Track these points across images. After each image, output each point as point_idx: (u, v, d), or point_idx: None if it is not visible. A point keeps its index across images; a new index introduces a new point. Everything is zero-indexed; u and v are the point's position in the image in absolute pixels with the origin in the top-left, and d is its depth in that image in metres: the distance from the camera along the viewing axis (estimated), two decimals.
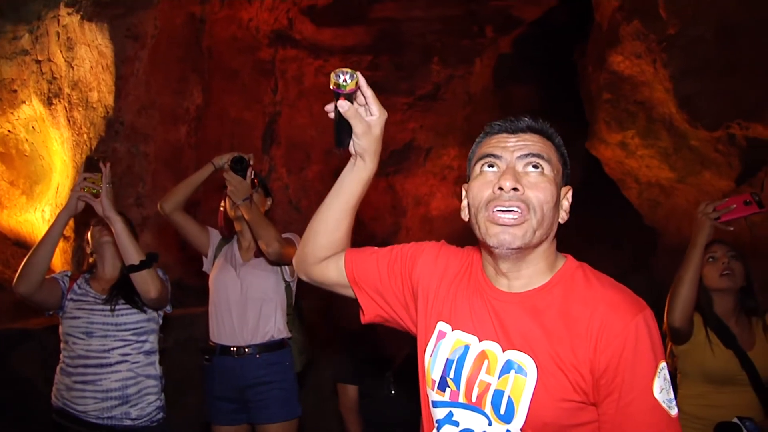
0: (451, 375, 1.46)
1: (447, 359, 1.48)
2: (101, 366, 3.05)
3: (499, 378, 1.41)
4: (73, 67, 5.31)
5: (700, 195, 7.13)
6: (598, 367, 1.35)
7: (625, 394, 1.33)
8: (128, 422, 3.06)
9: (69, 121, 5.39)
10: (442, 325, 1.53)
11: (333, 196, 1.60)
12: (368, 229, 8.95)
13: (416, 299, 1.61)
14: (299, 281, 3.69)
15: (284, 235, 3.59)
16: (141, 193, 5.91)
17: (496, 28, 8.95)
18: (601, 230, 9.77)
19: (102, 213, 2.95)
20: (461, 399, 1.45)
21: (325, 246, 1.64)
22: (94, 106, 5.41)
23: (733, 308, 2.90)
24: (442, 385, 1.48)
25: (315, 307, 5.88)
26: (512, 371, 1.40)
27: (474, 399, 1.43)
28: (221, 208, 3.71)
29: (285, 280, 3.62)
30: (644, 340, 1.35)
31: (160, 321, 3.30)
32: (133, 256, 2.98)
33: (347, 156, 1.61)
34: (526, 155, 1.46)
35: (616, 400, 1.33)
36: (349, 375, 3.86)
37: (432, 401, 1.50)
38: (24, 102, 5.46)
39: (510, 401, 1.38)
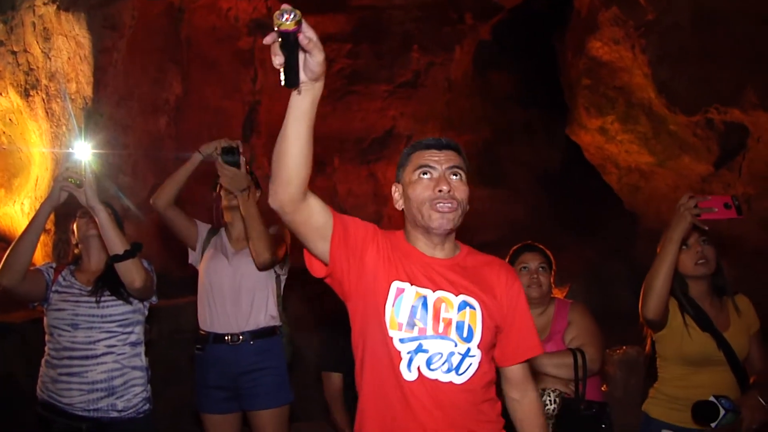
0: (418, 316, 1.96)
1: (412, 306, 1.97)
2: (87, 358, 3.03)
3: (458, 313, 1.99)
4: (50, 58, 5.26)
5: (679, 179, 7.21)
6: (507, 302, 2.10)
7: (520, 311, 2.13)
8: (114, 414, 3.04)
9: (47, 112, 5.34)
10: (398, 284, 1.99)
11: (298, 122, 1.72)
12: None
13: (362, 267, 2.00)
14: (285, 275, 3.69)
15: (272, 230, 3.58)
16: (121, 185, 5.87)
17: (475, 14, 8.95)
18: (581, 215, 9.85)
19: (85, 203, 2.92)
20: (429, 332, 1.96)
21: (303, 166, 1.79)
22: (73, 97, 5.36)
23: (707, 291, 2.93)
24: (410, 325, 1.96)
25: (299, 297, 5.89)
26: (467, 308, 2.01)
27: (441, 330, 1.97)
28: (215, 195, 3.67)
29: (276, 272, 3.62)
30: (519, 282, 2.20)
31: (146, 312, 3.28)
32: (118, 245, 2.96)
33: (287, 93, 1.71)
34: (451, 167, 2.05)
35: (517, 314, 2.12)
36: (334, 363, 3.86)
37: (400, 339, 1.95)
38: (0, 94, 5.40)
39: (470, 327, 1.99)
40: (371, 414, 2.02)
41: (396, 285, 1.99)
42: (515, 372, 2.17)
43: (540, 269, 3.25)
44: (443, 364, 1.96)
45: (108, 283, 3.10)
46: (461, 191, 2.04)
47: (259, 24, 8.08)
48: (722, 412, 2.55)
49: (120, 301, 3.11)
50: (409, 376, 1.95)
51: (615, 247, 8.90)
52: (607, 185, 8.38)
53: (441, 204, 1.99)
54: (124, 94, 5.90)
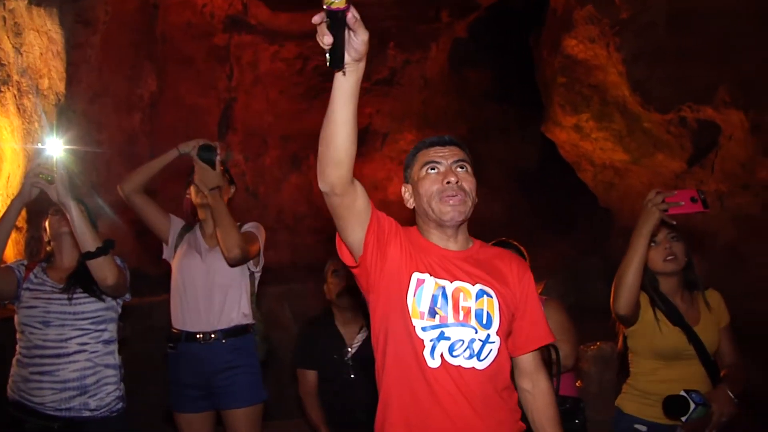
0: (438, 305, 2.03)
1: (432, 295, 2.04)
2: (59, 356, 2.99)
3: (476, 301, 2.06)
4: (21, 54, 5.19)
5: (653, 176, 7.27)
6: (519, 291, 2.19)
7: (531, 300, 2.21)
8: (87, 413, 3.00)
9: (19, 108, 5.27)
10: (418, 275, 2.06)
11: (345, 104, 1.76)
12: (326, 215, 8.88)
13: (385, 259, 2.07)
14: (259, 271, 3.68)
15: (246, 227, 3.56)
16: (95, 182, 5.81)
17: (452, 12, 8.97)
18: (557, 212, 9.90)
19: (57, 199, 2.88)
20: (450, 320, 2.03)
21: (352, 147, 1.85)
22: (45, 93, 5.30)
23: (678, 286, 2.96)
24: (432, 314, 2.03)
25: (274, 294, 5.87)
26: (485, 296, 2.08)
27: (461, 318, 2.04)
28: (187, 195, 3.65)
29: (249, 269, 3.60)
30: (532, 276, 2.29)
31: (119, 309, 3.25)
32: (90, 242, 2.93)
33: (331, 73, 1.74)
34: (456, 161, 2.14)
35: (528, 304, 2.21)
36: (308, 360, 3.86)
37: (422, 327, 2.02)
38: None
39: (488, 314, 2.07)
40: (396, 403, 2.07)
41: (416, 276, 2.07)
42: (526, 361, 2.24)
43: None
44: (465, 350, 2.03)
45: (80, 281, 3.06)
46: (469, 182, 2.12)
47: (235, 20, 8.05)
48: (693, 406, 2.58)
49: (92, 299, 3.08)
50: (433, 363, 2.01)
51: (590, 243, 8.96)
52: (582, 182, 8.43)
53: (450, 196, 2.07)
54: (98, 90, 5.84)
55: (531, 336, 2.22)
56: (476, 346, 2.04)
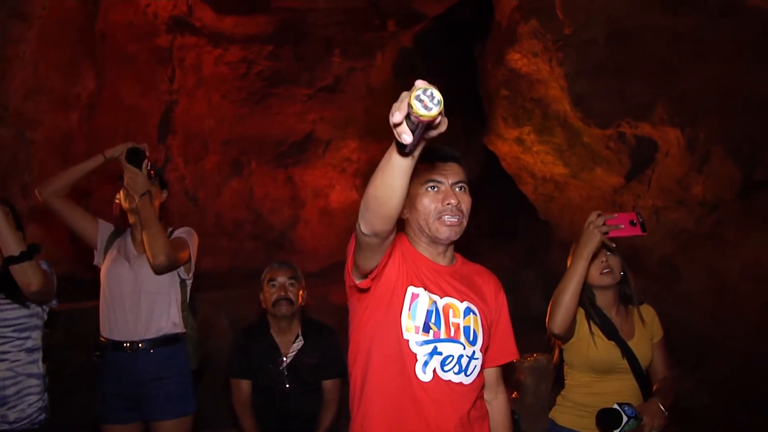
0: (433, 320, 2.11)
1: (427, 310, 2.11)
2: None
3: (464, 318, 2.17)
4: None
5: (592, 190, 7.38)
6: (495, 308, 2.32)
7: (503, 317, 2.36)
8: (5, 426, 2.88)
9: None
10: (413, 289, 2.12)
11: (402, 177, 1.70)
12: (266, 221, 8.84)
13: (383, 274, 2.11)
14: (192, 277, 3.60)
15: (177, 233, 3.49)
16: (27, 183, 5.63)
17: (398, 21, 8.98)
18: (497, 224, 9.98)
19: None
20: (443, 336, 2.12)
21: (401, 206, 1.82)
22: None
23: (613, 300, 3.01)
24: (426, 329, 2.10)
25: (209, 301, 5.77)
26: (471, 314, 2.19)
27: (452, 334, 2.13)
28: (116, 200, 3.56)
29: (180, 277, 3.52)
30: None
31: (45, 316, 3.14)
32: (13, 247, 2.82)
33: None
34: (457, 182, 2.20)
35: (501, 320, 2.36)
36: (242, 370, 3.79)
37: (416, 342, 2.09)
38: None
39: (474, 332, 2.18)
40: (378, 414, 2.13)
41: (411, 290, 2.14)
42: (491, 374, 2.37)
43: None
44: (455, 365, 2.14)
45: (3, 286, 2.95)
46: (466, 203, 2.22)
47: (179, 22, 7.92)
48: (625, 418, 2.63)
49: (16, 305, 2.97)
50: (424, 377, 2.10)
51: (530, 255, 9.06)
52: (523, 194, 8.51)
53: (448, 217, 2.16)
54: (33, 87, 5.67)
55: (500, 351, 2.36)
56: (464, 361, 2.15)
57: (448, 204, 2.16)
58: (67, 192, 3.46)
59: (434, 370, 2.11)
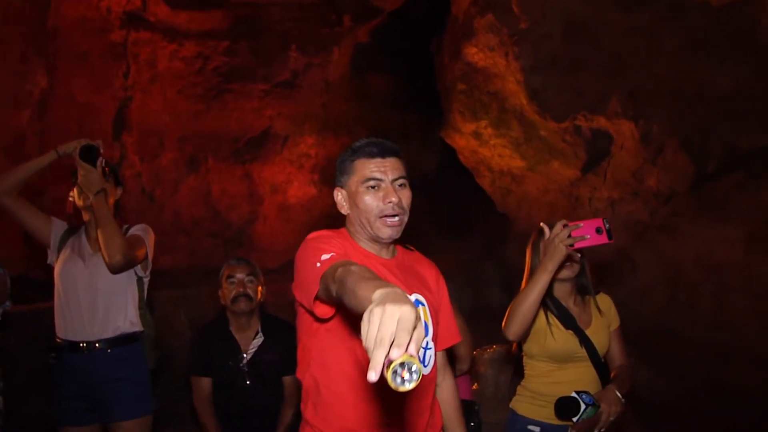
0: None
1: None
2: None
3: None
4: None
5: (549, 183, 7.47)
6: (438, 293, 2.34)
7: (445, 303, 2.38)
8: None
9: None
10: None
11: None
12: (224, 218, 8.77)
13: None
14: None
15: (133, 231, 3.43)
16: None
17: (354, 16, 8.97)
18: (455, 217, 10.04)
19: None
20: None
21: None
22: None
23: (570, 291, 3.05)
24: None
25: (168, 299, 5.71)
26: (420, 305, 2.17)
27: None
28: (70, 198, 3.49)
29: (137, 275, 3.47)
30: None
31: None
32: None
33: None
34: (398, 177, 2.16)
35: (442, 306, 2.36)
36: (202, 367, 3.76)
37: None
38: None
39: (425, 323, 2.16)
40: (338, 419, 2.10)
41: None
42: (439, 358, 2.37)
43: None
44: None
45: None
46: (407, 198, 2.18)
47: (133, 17, 7.81)
48: (583, 406, 2.67)
49: None
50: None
51: (487, 248, 9.13)
52: (480, 188, 8.58)
53: (389, 217, 2.13)
54: None
55: (446, 336, 2.37)
56: (421, 354, 2.15)
57: (389, 202, 2.13)
58: (19, 190, 3.38)
59: None
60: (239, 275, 3.73)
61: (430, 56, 9.09)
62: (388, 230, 2.14)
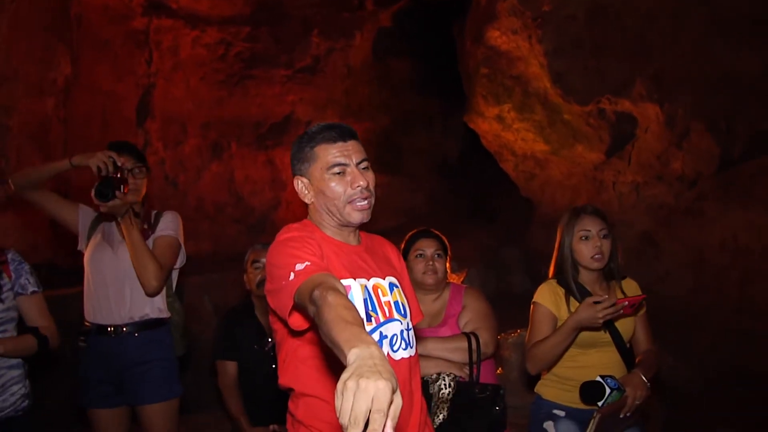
0: (371, 308, 2.09)
1: (364, 299, 2.09)
2: None
3: (391, 294, 2.17)
4: None
5: (572, 167, 7.41)
6: (401, 272, 2.38)
7: (407, 280, 2.42)
8: None
9: None
10: (344, 282, 2.05)
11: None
12: (247, 204, 8.81)
13: None
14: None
15: (164, 221, 3.44)
16: (4, 170, 5.56)
17: (376, 1, 8.95)
18: (478, 202, 10.01)
19: None
20: (382, 319, 2.10)
21: None
22: None
23: (597, 277, 3.04)
24: (368, 318, 2.07)
25: (193, 285, 5.75)
26: (395, 288, 2.20)
27: (388, 314, 2.12)
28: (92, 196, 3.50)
29: None
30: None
31: None
32: None
33: None
34: (361, 160, 2.14)
35: (405, 284, 2.37)
36: (228, 352, 3.79)
37: None
38: None
39: (403, 305, 2.20)
40: (331, 412, 1.99)
41: (343, 283, 1.93)
42: None
43: (436, 255, 3.28)
44: (401, 342, 2.15)
45: None
46: (372, 180, 2.16)
47: (155, 4, 7.83)
48: (608, 390, 2.67)
49: None
50: None
51: (511, 232, 9.09)
52: (503, 173, 8.54)
53: (359, 201, 2.11)
54: (7, 73, 5.60)
55: (414, 314, 2.35)
56: (406, 335, 2.17)
57: (357, 186, 2.11)
58: (41, 186, 3.40)
59: (388, 354, 2.08)
60: (264, 260, 3.74)
61: (452, 40, 9.04)
62: (358, 215, 2.13)
